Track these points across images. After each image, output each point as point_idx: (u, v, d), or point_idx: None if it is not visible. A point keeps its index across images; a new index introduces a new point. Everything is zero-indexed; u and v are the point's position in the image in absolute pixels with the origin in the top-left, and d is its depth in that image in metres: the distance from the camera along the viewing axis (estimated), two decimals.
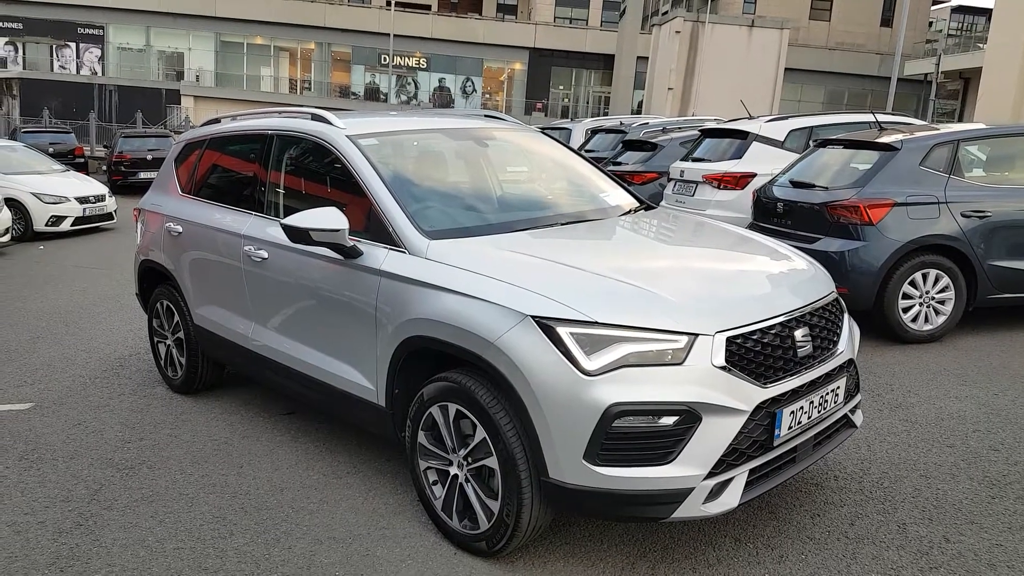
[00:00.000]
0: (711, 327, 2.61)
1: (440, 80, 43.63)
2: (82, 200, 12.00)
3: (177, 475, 3.73)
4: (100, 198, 12.36)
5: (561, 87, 44.08)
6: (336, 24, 40.68)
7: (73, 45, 40.96)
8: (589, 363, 2.55)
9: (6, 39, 40.58)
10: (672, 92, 28.09)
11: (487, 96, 44.28)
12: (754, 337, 2.69)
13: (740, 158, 7.89)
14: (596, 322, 2.58)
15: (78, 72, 40.75)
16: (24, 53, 40.95)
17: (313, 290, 3.57)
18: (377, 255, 3.25)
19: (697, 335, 2.58)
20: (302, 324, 3.69)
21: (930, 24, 42.74)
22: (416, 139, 3.96)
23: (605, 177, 4.18)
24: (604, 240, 3.56)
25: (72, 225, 11.82)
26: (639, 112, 28.88)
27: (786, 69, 28.37)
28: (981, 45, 32.28)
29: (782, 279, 3.19)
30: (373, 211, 3.34)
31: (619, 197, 4.03)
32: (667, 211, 4.30)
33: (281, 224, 3.32)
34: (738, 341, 2.65)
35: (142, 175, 17.59)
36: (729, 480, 2.61)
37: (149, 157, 17.78)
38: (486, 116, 4.57)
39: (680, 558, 2.94)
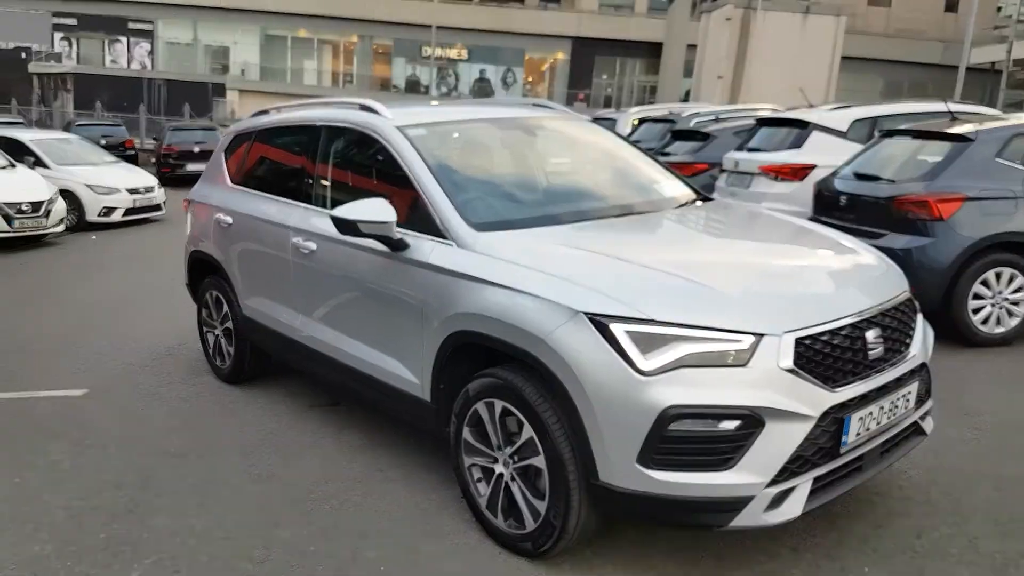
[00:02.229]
0: (778, 327, 2.50)
1: (481, 71, 43.47)
2: (132, 191, 12.24)
3: (225, 464, 3.74)
4: (149, 189, 12.59)
5: (604, 76, 43.53)
6: (378, 16, 40.80)
7: (124, 40, 41.86)
8: (645, 363, 2.46)
9: (61, 35, 41.66)
10: (721, 81, 27.47)
11: (528, 87, 44.01)
12: (823, 339, 2.57)
13: (799, 148, 7.65)
14: (653, 320, 2.49)
15: (128, 66, 41.62)
16: (78, 48, 42.01)
17: (360, 282, 3.54)
18: (424, 248, 3.20)
19: (763, 335, 2.47)
20: (349, 317, 3.67)
21: (998, 9, 40.97)
22: (464, 129, 3.89)
23: (659, 167, 4.07)
24: (660, 233, 3.46)
25: (123, 216, 12.05)
26: (686, 101, 28.41)
27: (842, 58, 27.57)
28: None
29: (852, 276, 3.05)
30: (421, 203, 3.29)
31: (675, 188, 3.91)
32: (725, 203, 4.16)
33: (330, 216, 3.29)
34: (806, 343, 2.52)
35: (189, 167, 17.85)
36: (792, 488, 2.50)
37: (196, 150, 18.05)
38: (535, 105, 4.49)
39: (734, 567, 2.83)
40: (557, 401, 2.64)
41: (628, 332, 2.49)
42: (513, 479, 2.87)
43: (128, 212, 12.12)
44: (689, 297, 2.59)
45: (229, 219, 4.51)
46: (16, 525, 3.18)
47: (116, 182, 12.14)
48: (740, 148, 8.57)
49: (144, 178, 12.90)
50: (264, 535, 3.12)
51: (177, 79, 38.37)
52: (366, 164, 3.85)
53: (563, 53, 42.88)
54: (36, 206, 10.04)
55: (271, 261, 4.17)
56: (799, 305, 2.65)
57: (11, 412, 4.37)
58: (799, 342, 2.51)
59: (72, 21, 41.37)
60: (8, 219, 9.72)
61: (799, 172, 7.63)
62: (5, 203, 9.71)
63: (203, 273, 4.94)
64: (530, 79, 44.07)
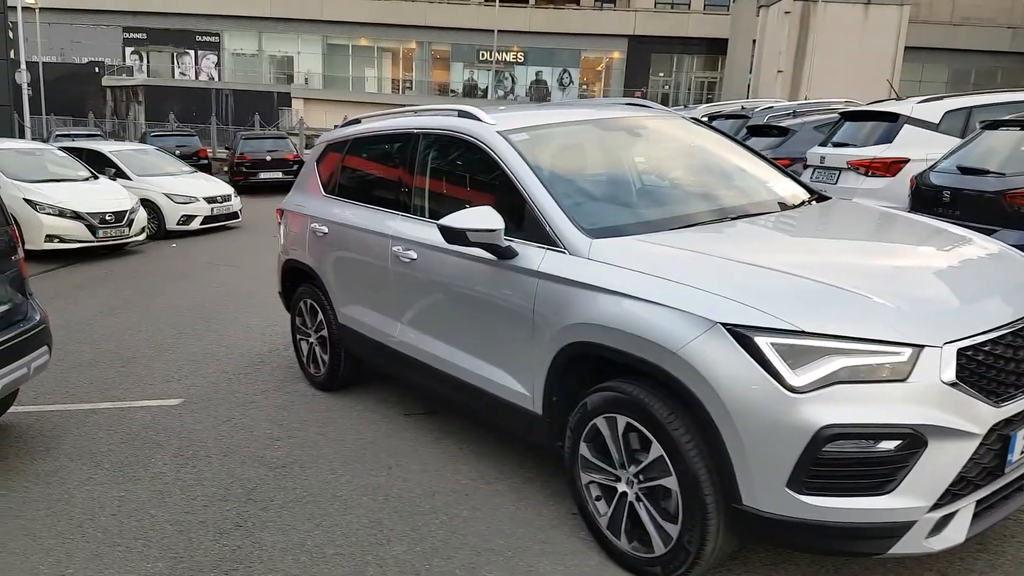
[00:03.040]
0: (939, 337, 2.30)
1: (537, 73, 43.50)
2: (210, 200, 12.52)
3: (328, 475, 3.71)
4: (226, 198, 12.86)
5: (661, 74, 43.06)
6: (436, 23, 41.21)
7: (192, 52, 43.27)
8: (795, 378, 2.29)
9: (132, 49, 43.29)
10: (781, 75, 27.01)
11: (584, 87, 43.82)
12: (985, 348, 2.36)
13: (890, 142, 7.30)
14: (802, 331, 2.32)
15: (196, 78, 42.99)
16: (148, 61, 43.56)
17: (465, 292, 3.45)
18: (533, 256, 3.09)
19: (923, 347, 2.27)
20: (452, 326, 3.59)
21: None
22: (567, 132, 3.77)
23: (769, 166, 3.88)
24: (786, 236, 3.28)
25: (201, 224, 12.34)
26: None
27: (905, 48, 26.65)
28: None
29: (1006, 279, 2.81)
30: (528, 209, 3.19)
31: (788, 188, 3.72)
32: (843, 202, 3.93)
33: (437, 225, 3.21)
34: (968, 353, 2.32)
35: (262, 175, 18.30)
36: (955, 512, 2.30)
37: (268, 158, 18.45)
38: (630, 104, 4.35)
39: None
40: (691, 419, 2.50)
41: (774, 345, 2.33)
42: (639, 499, 2.74)
43: (206, 220, 12.41)
44: (839, 306, 2.41)
45: (324, 228, 4.50)
46: (126, 541, 3.18)
47: (194, 191, 12.44)
48: (825, 143, 8.25)
49: (220, 187, 13.18)
50: (377, 552, 3.05)
51: (243, 89, 39.50)
52: (467, 171, 3.77)
53: (619, 52, 42.64)
54: (119, 216, 10.35)
55: (369, 270, 4.13)
56: (957, 312, 2.45)
57: (110, 423, 4.43)
58: (961, 353, 2.31)
59: (142, 35, 42.96)
60: (93, 229, 10.05)
61: (891, 167, 7.29)
62: (89, 213, 10.04)
63: (297, 282, 4.94)
64: (586, 79, 43.88)
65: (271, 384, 5.03)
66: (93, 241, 10.09)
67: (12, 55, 20.90)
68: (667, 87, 43.18)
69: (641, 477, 2.71)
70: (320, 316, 4.68)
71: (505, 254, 3.16)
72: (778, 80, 27.00)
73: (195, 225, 12.28)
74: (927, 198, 5.97)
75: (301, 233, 4.77)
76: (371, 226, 4.08)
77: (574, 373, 2.98)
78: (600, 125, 3.89)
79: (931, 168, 6.24)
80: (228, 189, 13.21)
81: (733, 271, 2.64)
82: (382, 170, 4.40)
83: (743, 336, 2.36)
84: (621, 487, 2.80)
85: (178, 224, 12.14)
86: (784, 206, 3.53)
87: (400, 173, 4.03)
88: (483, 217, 3.12)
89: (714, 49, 41.50)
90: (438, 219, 3.60)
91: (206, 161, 20.14)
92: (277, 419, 4.44)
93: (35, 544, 3.17)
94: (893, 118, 7.50)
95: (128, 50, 43.44)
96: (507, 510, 3.32)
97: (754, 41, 27.86)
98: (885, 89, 25.32)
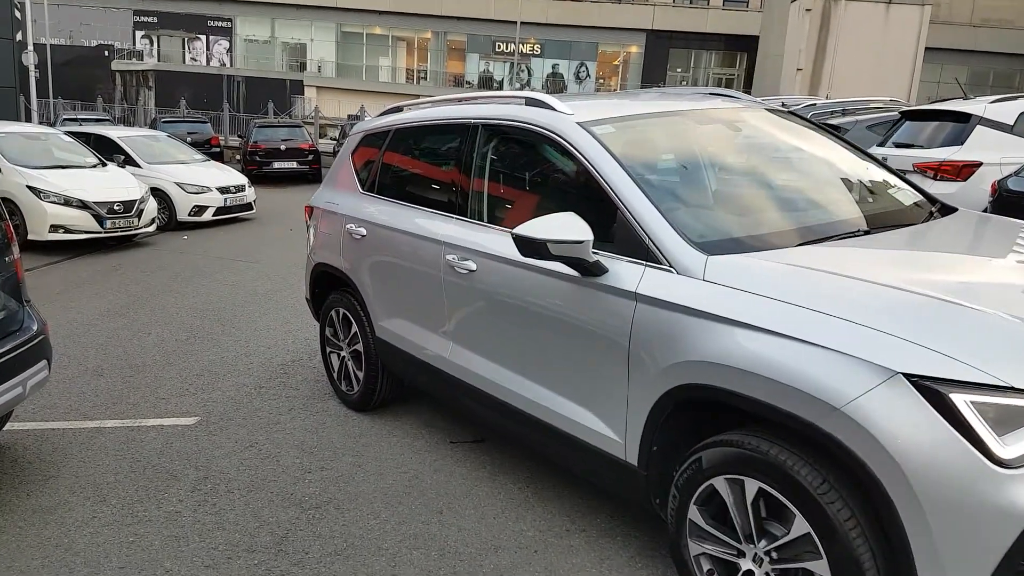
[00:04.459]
0: None
1: (553, 66, 42.91)
2: (223, 190, 12.00)
3: (371, 519, 3.19)
4: (240, 188, 12.35)
5: (679, 69, 42.45)
6: (452, 12, 40.60)
7: (203, 38, 42.72)
8: (1003, 449, 1.77)
9: (142, 33, 42.76)
10: (801, 73, 26.53)
11: (601, 81, 43.20)
12: None
13: (961, 144, 6.76)
14: (1011, 387, 1.79)
15: (208, 64, 42.45)
16: (158, 46, 43.05)
17: (537, 312, 2.92)
18: (628, 274, 2.57)
19: None
20: (517, 350, 3.06)
21: None
22: (657, 125, 3.22)
23: (883, 169, 3.34)
24: (942, 255, 2.72)
25: (213, 215, 11.83)
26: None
27: (925, 48, 26.19)
28: None
29: None
30: (620, 218, 2.66)
31: (910, 195, 3.19)
32: (975, 214, 3.35)
33: (512, 234, 2.67)
34: None
35: (276, 165, 17.82)
36: None
37: (283, 147, 17.95)
38: (712, 95, 3.81)
39: None
40: (854, 490, 1.98)
41: (975, 404, 1.80)
42: None
43: (219, 211, 11.89)
44: None
45: (362, 230, 3.97)
46: None
47: (207, 181, 11.92)
48: (882, 143, 7.70)
49: (235, 177, 12.67)
50: None
51: (255, 76, 39.02)
52: (538, 170, 3.24)
53: (637, 47, 42.14)
54: (128, 206, 9.85)
55: (415, 280, 3.60)
56: None
57: (118, 446, 3.92)
58: None
59: (152, 19, 42.46)
60: (100, 219, 9.54)
61: (962, 171, 6.76)
62: (97, 203, 9.53)
63: (328, 288, 4.42)
64: (603, 73, 43.33)
65: (297, 401, 4.52)
66: (100, 232, 9.58)
67: (19, 36, 20.41)
68: (685, 82, 42.53)
69: (775, 555, 2.19)
70: (355, 328, 4.16)
71: (592, 270, 2.63)
72: (797, 78, 26.56)
73: (207, 216, 11.77)
74: (1016, 206, 5.43)
75: (334, 234, 4.24)
76: (419, 230, 3.55)
77: (683, 419, 2.46)
78: (693, 117, 3.33)
79: (1017, 173, 5.71)
80: (242, 179, 12.69)
81: (904, 303, 2.09)
82: (432, 166, 3.87)
83: (933, 391, 1.84)
84: (746, 564, 2.27)
85: (190, 215, 11.63)
86: (917, 218, 2.99)
87: (455, 170, 3.48)
88: (568, 226, 2.59)
89: (732, 45, 40.89)
90: (499, 224, 3.10)
91: (218, 149, 19.64)
92: (307, 445, 3.92)
93: None
94: (964, 118, 6.98)
95: (138, 34, 42.91)
96: (588, 573, 2.80)
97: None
98: (905, 89, 24.74)
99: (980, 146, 6.72)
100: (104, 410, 4.40)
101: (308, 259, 4.60)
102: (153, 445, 3.95)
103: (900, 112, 8.04)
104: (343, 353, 4.33)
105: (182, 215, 11.58)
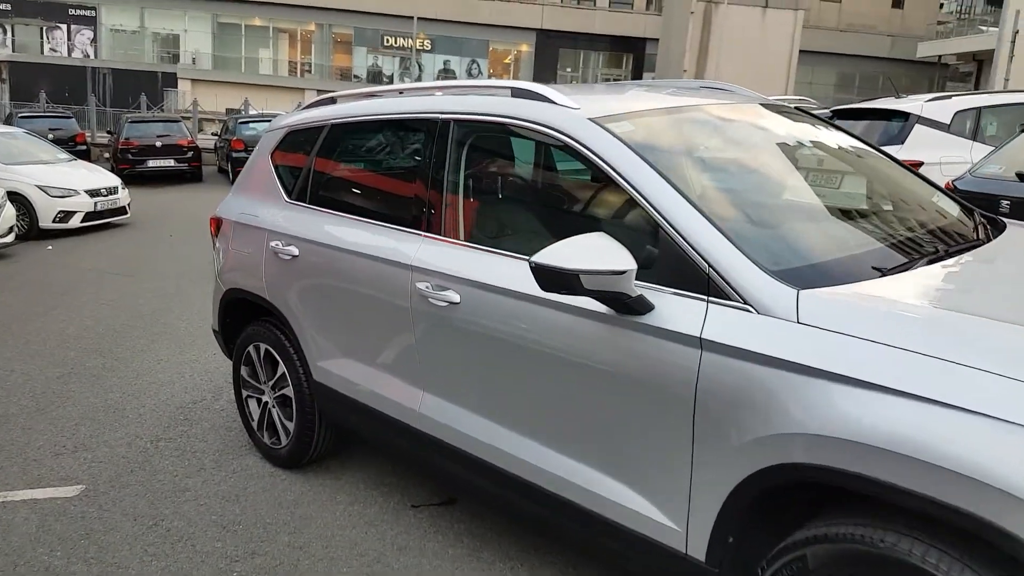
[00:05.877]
0: None
1: (445, 62, 42.26)
2: (93, 193, 10.62)
3: None
4: (112, 190, 10.98)
5: (568, 69, 42.81)
6: (336, 5, 39.10)
7: (64, 27, 39.26)
8: None
9: None
10: (686, 74, 27.21)
11: (493, 79, 42.95)
12: None
13: (902, 144, 6.64)
14: None
15: (70, 55, 39.05)
16: (13, 35, 39.23)
17: (552, 357, 2.28)
18: (682, 312, 1.98)
19: None
20: (524, 406, 2.42)
21: (940, 6, 41.74)
22: (681, 122, 2.62)
23: (917, 178, 2.92)
24: None
25: (82, 221, 10.44)
26: None
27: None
28: (983, 28, 32.46)
29: None
30: (664, 237, 2.07)
31: (954, 206, 2.77)
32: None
33: (530, 263, 2.02)
34: None
35: (151, 163, 16.32)
36: None
37: (158, 144, 16.44)
38: (704, 87, 3.31)
39: None
40: None
41: None
42: None
43: (88, 217, 10.51)
44: None
45: (293, 249, 3.19)
46: None
47: (74, 183, 10.52)
48: None
49: (106, 177, 11.27)
50: None
51: (124, 68, 36.22)
52: (536, 178, 2.62)
53: (527, 45, 42.25)
54: None
55: (372, 312, 2.88)
56: None
57: None
58: None
59: (6, 6, 38.60)
60: None
61: None
62: None
63: (244, 318, 3.61)
64: (495, 71, 43.14)
65: (207, 458, 3.67)
66: None
67: None
68: (575, 83, 42.91)
69: None
70: (282, 368, 3.38)
71: (634, 308, 2.03)
72: (682, 79, 27.29)
73: (75, 223, 10.37)
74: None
75: (254, 253, 3.43)
76: (376, 251, 2.82)
77: (773, 505, 1.89)
78: (715, 113, 2.77)
79: (971, 172, 5.59)
80: (114, 180, 11.32)
81: None
82: (388, 171, 3.15)
83: None
84: None
85: (54, 222, 10.21)
86: (974, 231, 2.56)
87: (420, 177, 2.78)
88: (603, 251, 1.97)
89: (618, 47, 41.57)
90: (486, 245, 2.47)
91: (85, 147, 17.81)
92: (228, 521, 3.11)
93: None
94: (903, 117, 6.88)
95: None
96: None
97: (650, 40, 28.17)
98: (782, 89, 25.86)
99: (920, 145, 6.65)
100: None
101: (216, 283, 3.76)
102: (24, 529, 3.04)
103: (832, 111, 7.93)
104: (265, 398, 3.54)
105: (45, 222, 10.14)
